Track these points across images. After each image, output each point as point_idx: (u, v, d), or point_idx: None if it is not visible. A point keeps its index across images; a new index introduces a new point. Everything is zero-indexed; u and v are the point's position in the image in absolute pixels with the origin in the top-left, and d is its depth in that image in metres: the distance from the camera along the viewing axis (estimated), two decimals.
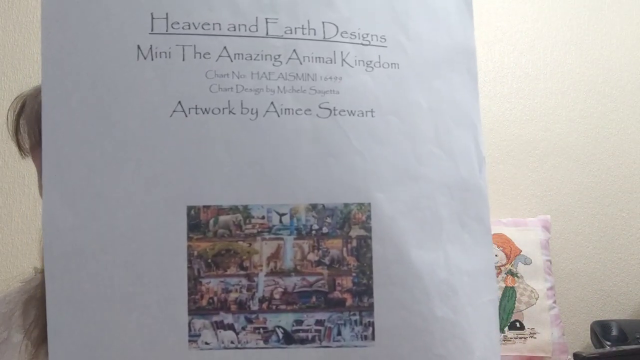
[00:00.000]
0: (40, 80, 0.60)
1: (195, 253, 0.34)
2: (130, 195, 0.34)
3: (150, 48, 0.34)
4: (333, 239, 0.34)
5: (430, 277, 0.35)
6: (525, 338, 1.60)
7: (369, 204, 0.34)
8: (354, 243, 0.34)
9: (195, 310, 0.34)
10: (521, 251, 1.73)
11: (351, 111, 0.35)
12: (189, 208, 0.34)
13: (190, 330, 0.34)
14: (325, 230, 0.34)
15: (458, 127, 0.36)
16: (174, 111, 0.34)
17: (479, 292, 0.35)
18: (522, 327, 1.67)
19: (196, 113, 0.34)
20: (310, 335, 0.34)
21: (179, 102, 0.34)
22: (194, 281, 0.34)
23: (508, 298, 1.68)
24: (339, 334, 0.34)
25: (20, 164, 0.61)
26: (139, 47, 0.34)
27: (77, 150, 0.33)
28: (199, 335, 0.34)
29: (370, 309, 0.34)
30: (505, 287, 1.69)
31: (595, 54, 1.89)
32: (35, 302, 0.64)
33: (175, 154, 0.34)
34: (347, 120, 0.35)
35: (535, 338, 1.61)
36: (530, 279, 1.72)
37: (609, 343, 1.55)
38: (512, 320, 1.67)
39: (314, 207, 0.34)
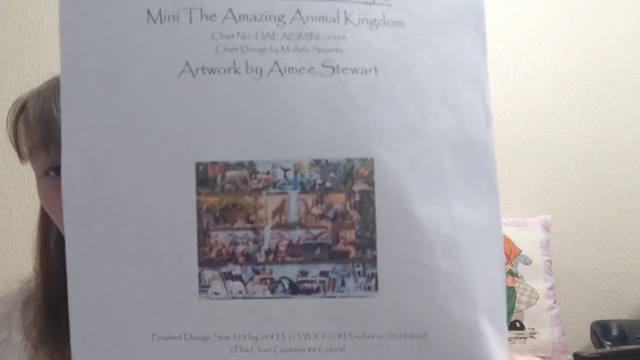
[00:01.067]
0: (40, 81, 0.61)
1: (204, 207, 0.35)
2: (141, 153, 0.35)
3: (160, 12, 0.35)
4: (336, 193, 0.36)
5: (434, 231, 0.36)
6: (525, 338, 1.61)
7: (372, 159, 0.36)
8: (357, 197, 0.36)
9: (204, 262, 0.35)
10: (521, 251, 1.73)
11: (354, 69, 0.36)
12: (198, 164, 0.35)
13: (200, 281, 0.35)
14: (328, 185, 0.36)
15: (465, 85, 0.37)
16: (182, 72, 0.35)
17: (484, 247, 0.36)
18: (522, 327, 1.67)
19: (203, 73, 0.35)
20: (314, 286, 0.35)
21: (187, 62, 0.35)
22: (203, 234, 0.35)
23: (508, 298, 1.68)
24: (343, 284, 0.35)
25: (20, 164, 0.62)
26: (148, 11, 0.35)
27: (92, 110, 0.35)
28: (208, 286, 0.35)
29: (373, 261, 0.35)
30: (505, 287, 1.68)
31: (595, 54, 1.90)
32: (34, 302, 0.64)
33: (184, 112, 0.35)
34: (350, 79, 0.36)
35: (535, 338, 1.61)
36: (530, 279, 1.72)
37: (609, 343, 1.55)
38: (512, 320, 1.67)
39: (317, 162, 0.35)
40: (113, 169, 0.34)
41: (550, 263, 1.73)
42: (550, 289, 1.68)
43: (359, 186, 0.36)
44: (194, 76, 0.35)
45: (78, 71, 0.35)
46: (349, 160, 0.36)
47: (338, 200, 0.36)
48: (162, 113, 0.35)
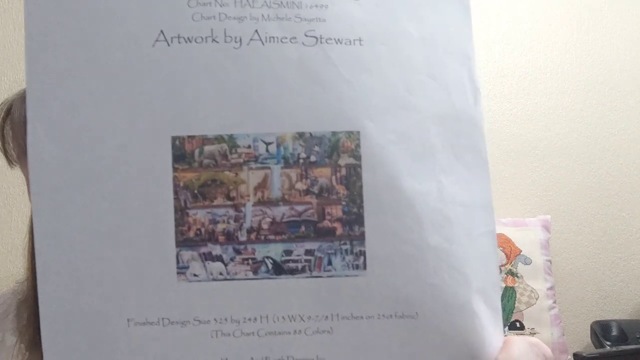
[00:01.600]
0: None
1: (182, 184, 0.33)
2: (113, 127, 0.33)
3: None
4: (321, 167, 0.34)
5: (423, 206, 0.34)
6: None
7: (358, 132, 0.34)
8: (343, 172, 0.34)
9: (182, 242, 0.33)
10: (521, 251, 1.72)
11: (338, 39, 0.34)
12: (174, 138, 0.33)
13: (178, 262, 0.33)
14: (313, 158, 0.34)
15: (451, 59, 0.36)
16: (156, 41, 0.33)
17: (475, 223, 0.35)
18: (522, 327, 1.65)
19: (179, 42, 0.33)
20: (300, 265, 0.33)
21: (161, 31, 0.33)
22: (180, 212, 0.33)
23: (508, 298, 1.67)
24: (330, 263, 0.33)
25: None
26: None
27: (59, 83, 0.33)
28: (187, 267, 0.33)
29: (361, 237, 0.33)
30: (505, 287, 1.68)
31: (595, 54, 1.90)
32: (28, 303, 0.63)
33: (158, 84, 0.33)
34: (334, 49, 0.34)
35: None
36: (530, 279, 1.72)
37: (609, 343, 1.54)
38: (512, 320, 1.66)
39: (301, 135, 0.34)
40: (83, 144, 0.33)
41: (550, 263, 1.72)
42: (550, 289, 1.67)
43: (345, 160, 0.34)
44: (169, 45, 0.33)
45: (43, 41, 0.33)
46: (334, 133, 0.34)
47: (323, 174, 0.34)
48: (134, 84, 0.33)
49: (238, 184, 0.33)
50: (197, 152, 0.33)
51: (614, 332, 1.56)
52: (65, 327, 0.32)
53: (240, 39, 0.34)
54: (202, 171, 0.33)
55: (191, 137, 0.33)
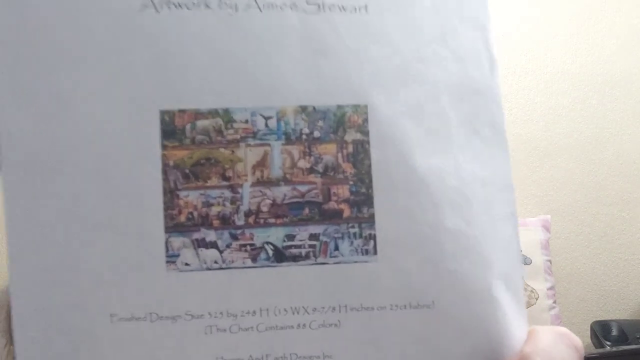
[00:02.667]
0: None
1: (171, 163, 0.30)
2: (95, 98, 0.30)
3: None
4: (326, 144, 0.31)
5: (439, 184, 0.31)
6: None
7: (366, 105, 0.31)
8: (350, 148, 0.31)
9: (172, 227, 0.30)
10: (521, 251, 1.69)
11: (342, 6, 0.31)
12: (162, 113, 0.30)
13: (167, 250, 0.30)
14: (317, 134, 0.31)
15: (466, 28, 0.33)
16: (144, 6, 0.30)
17: (495, 203, 0.32)
18: None
19: (168, 8, 0.30)
20: (303, 251, 0.30)
21: None
22: (170, 194, 0.30)
23: None
24: (337, 248, 0.30)
25: None
26: None
27: (32, 45, 0.30)
28: (177, 256, 0.30)
29: (370, 220, 0.30)
30: None
31: (595, 54, 1.89)
32: None
33: (145, 53, 0.30)
34: (338, 17, 0.31)
35: None
36: (530, 279, 1.70)
37: (609, 343, 1.53)
38: None
39: (303, 109, 0.31)
40: (60, 116, 0.29)
41: (550, 263, 1.70)
42: (550, 289, 1.65)
43: (351, 135, 0.31)
44: (157, 11, 0.30)
45: (18, 6, 0.30)
46: (339, 107, 0.31)
47: (328, 151, 0.31)
48: (119, 53, 0.30)
49: (234, 163, 0.30)
50: (188, 127, 0.30)
51: (614, 332, 1.55)
52: (39, 323, 0.29)
53: (236, 5, 0.30)
54: (195, 148, 0.30)
55: (182, 111, 0.30)
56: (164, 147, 0.30)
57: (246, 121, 0.30)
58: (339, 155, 0.31)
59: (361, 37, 0.31)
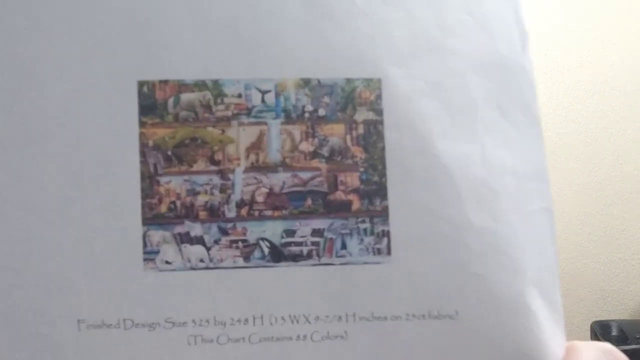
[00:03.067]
0: None
1: (151, 143, 0.25)
2: (61, 67, 0.25)
3: None
4: (333, 123, 0.26)
5: (463, 174, 0.26)
6: None
7: (379, 79, 0.26)
8: (361, 129, 0.26)
9: (151, 218, 0.25)
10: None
11: None
12: (141, 84, 0.25)
13: (145, 245, 0.25)
14: (322, 112, 0.26)
15: None
16: None
17: (528, 196, 0.27)
18: None
19: None
20: (305, 249, 0.26)
21: None
22: (149, 180, 0.25)
23: None
24: (344, 247, 0.26)
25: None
26: None
27: None
28: (157, 252, 0.25)
29: (384, 214, 0.26)
30: None
31: (595, 54, 1.88)
32: None
33: (120, 15, 0.26)
34: None
35: None
36: None
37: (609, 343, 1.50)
38: None
39: (306, 82, 0.26)
40: (20, 89, 0.25)
41: None
42: None
43: (362, 115, 0.26)
44: None
45: None
46: (348, 81, 0.26)
47: (335, 132, 0.26)
48: (90, 14, 0.25)
49: (225, 144, 0.26)
50: (171, 101, 0.26)
51: (614, 332, 1.54)
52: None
53: None
54: (179, 126, 0.26)
55: (164, 83, 0.26)
56: (142, 124, 0.25)
57: (239, 95, 0.26)
58: (348, 137, 0.26)
59: (375, 0, 0.27)
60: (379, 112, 0.26)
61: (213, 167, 0.26)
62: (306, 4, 0.26)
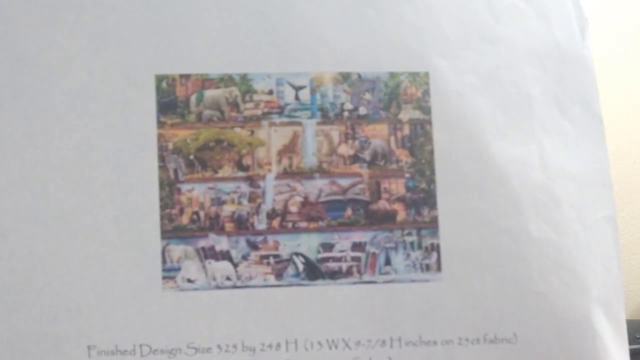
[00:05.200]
0: None
1: (171, 146, 0.22)
2: (71, 58, 0.22)
3: None
4: (375, 123, 0.23)
5: (521, 180, 0.24)
6: None
7: (427, 73, 0.24)
8: (406, 130, 0.23)
9: (171, 231, 0.22)
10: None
11: None
12: (159, 78, 0.22)
13: (164, 261, 0.22)
14: (362, 111, 0.23)
15: None
16: None
17: (591, 204, 0.24)
18: None
19: None
20: (344, 265, 0.23)
21: None
22: (169, 188, 0.22)
23: None
24: (388, 263, 0.23)
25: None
26: None
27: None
28: (177, 270, 0.22)
29: (433, 225, 0.23)
30: None
31: (595, 54, 1.86)
32: None
33: (137, 2, 0.23)
34: None
35: None
36: None
37: None
38: None
39: (345, 77, 0.23)
40: (26, 83, 0.22)
41: None
42: None
43: (408, 113, 0.23)
44: None
45: None
46: (392, 75, 0.23)
47: (378, 133, 0.23)
48: (109, 9, 0.22)
49: (254, 147, 0.23)
50: (194, 98, 0.23)
51: None
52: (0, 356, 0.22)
53: None
54: (202, 127, 0.23)
55: (185, 77, 0.23)
56: (160, 124, 0.22)
57: (270, 92, 0.23)
58: (392, 138, 0.23)
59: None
60: (427, 111, 0.23)
61: (241, 173, 0.23)
62: None
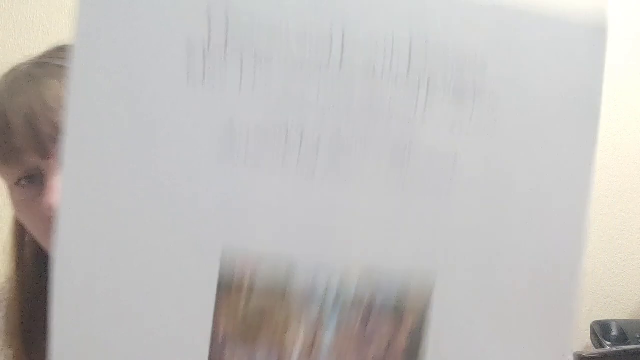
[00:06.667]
0: None
1: (222, 330, 0.28)
2: (151, 231, 0.27)
3: (204, 69, 0.27)
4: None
5: None
6: None
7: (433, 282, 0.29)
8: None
9: None
10: None
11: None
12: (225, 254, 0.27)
13: None
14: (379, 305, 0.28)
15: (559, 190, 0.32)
16: (221, 158, 0.28)
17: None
18: None
19: (245, 164, 0.28)
20: None
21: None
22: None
23: None
24: None
25: None
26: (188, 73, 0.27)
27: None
28: None
29: None
30: None
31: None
32: (15, 304, 0.58)
33: (214, 199, 0.28)
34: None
35: None
36: None
37: (609, 343, 1.52)
38: None
39: (369, 272, 0.28)
40: (115, 253, 0.27)
41: None
42: None
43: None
44: (234, 165, 0.28)
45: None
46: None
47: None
48: (187, 199, 0.28)
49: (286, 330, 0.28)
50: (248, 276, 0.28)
51: (614, 332, 1.53)
52: None
53: (314, 171, 0.28)
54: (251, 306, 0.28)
55: (245, 255, 0.27)
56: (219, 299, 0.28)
57: (308, 280, 0.28)
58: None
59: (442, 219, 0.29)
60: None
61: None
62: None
